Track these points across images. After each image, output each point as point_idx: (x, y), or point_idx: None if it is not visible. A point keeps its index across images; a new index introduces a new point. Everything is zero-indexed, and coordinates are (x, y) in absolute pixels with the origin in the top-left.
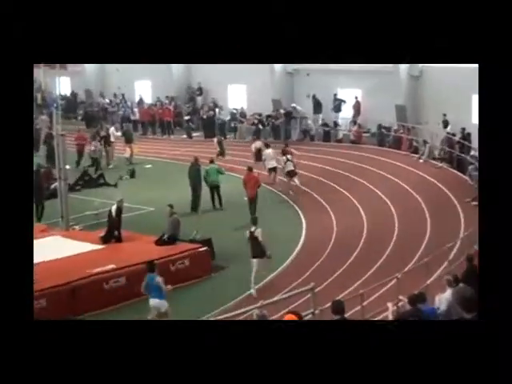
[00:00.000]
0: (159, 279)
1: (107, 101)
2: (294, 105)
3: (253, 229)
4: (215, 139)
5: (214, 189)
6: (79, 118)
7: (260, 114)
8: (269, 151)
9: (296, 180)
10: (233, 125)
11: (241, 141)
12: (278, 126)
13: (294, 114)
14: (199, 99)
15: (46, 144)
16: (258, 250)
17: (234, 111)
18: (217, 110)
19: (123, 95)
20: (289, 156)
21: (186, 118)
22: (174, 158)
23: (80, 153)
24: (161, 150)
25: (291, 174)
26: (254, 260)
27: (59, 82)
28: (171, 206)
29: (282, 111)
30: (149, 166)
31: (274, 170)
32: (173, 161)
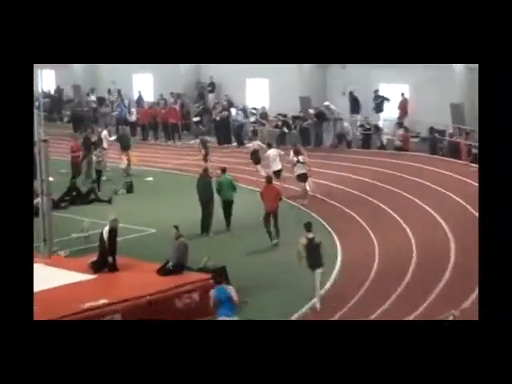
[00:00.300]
0: (231, 290)
1: (93, 98)
2: (326, 103)
3: (310, 235)
4: (198, 140)
5: (228, 205)
6: (65, 119)
7: (285, 115)
8: (272, 152)
9: (307, 186)
10: (252, 128)
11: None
12: (308, 130)
13: (327, 114)
14: (211, 97)
15: None
16: (319, 259)
17: (254, 111)
18: (233, 110)
19: (119, 92)
20: (300, 157)
21: (195, 119)
22: (180, 169)
23: (76, 166)
24: (164, 159)
25: (302, 178)
26: (318, 271)
27: (41, 75)
28: (177, 228)
29: (311, 111)
30: (150, 178)
31: (278, 173)
32: (179, 172)
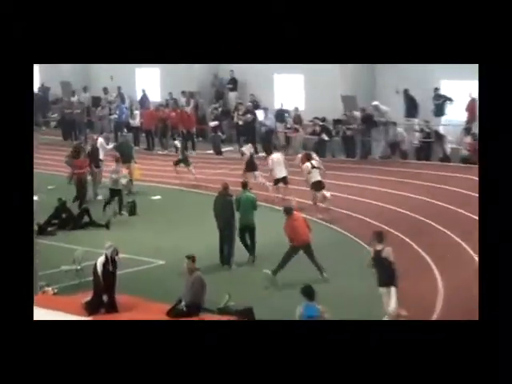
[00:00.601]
0: (324, 312)
1: (77, 98)
2: (375, 103)
3: (379, 247)
4: (176, 142)
5: (248, 231)
6: (52, 124)
7: (324, 119)
8: (276, 156)
9: (326, 194)
10: (284, 134)
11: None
12: (352, 138)
13: (377, 117)
14: (232, 96)
15: None
16: (387, 275)
17: (286, 115)
18: (260, 112)
19: (119, 89)
20: (314, 162)
21: (213, 124)
22: (194, 185)
23: (82, 185)
24: (175, 173)
25: (318, 187)
26: (385, 289)
27: None
28: (191, 258)
29: (357, 114)
30: (157, 197)
31: (283, 180)
32: (193, 189)
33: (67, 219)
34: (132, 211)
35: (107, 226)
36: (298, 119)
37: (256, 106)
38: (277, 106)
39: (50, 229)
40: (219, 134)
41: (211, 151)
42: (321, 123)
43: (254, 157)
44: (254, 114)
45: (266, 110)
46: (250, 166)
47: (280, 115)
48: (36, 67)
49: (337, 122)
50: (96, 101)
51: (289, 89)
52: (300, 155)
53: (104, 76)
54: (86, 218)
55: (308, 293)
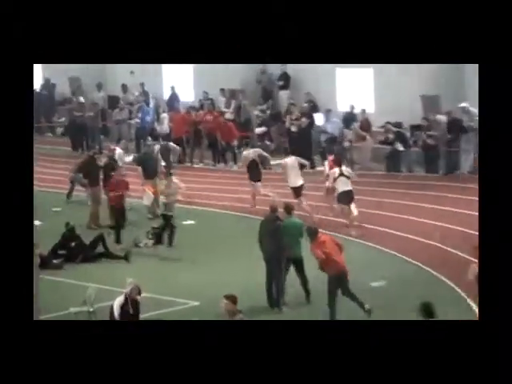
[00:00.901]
0: None
1: (90, 99)
2: (464, 105)
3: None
4: (157, 147)
5: (295, 264)
6: (59, 130)
7: (399, 124)
8: (290, 160)
9: (353, 209)
10: (347, 144)
11: (365, 173)
12: (436, 147)
13: (466, 122)
14: (283, 95)
15: None
16: None
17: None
18: (319, 115)
19: (142, 87)
20: (344, 168)
21: (259, 130)
22: (235, 208)
23: (120, 211)
24: (212, 193)
25: (347, 197)
26: None
27: None
28: (231, 299)
29: (441, 118)
30: (190, 221)
31: (299, 190)
32: (233, 212)
33: (77, 249)
34: (158, 239)
35: (127, 257)
36: (365, 124)
37: (313, 107)
38: (340, 108)
39: (55, 261)
40: (267, 142)
41: None
42: (394, 129)
43: (259, 162)
44: (311, 118)
45: (328, 112)
46: (254, 176)
47: (349, 120)
48: None
49: (415, 128)
50: (113, 101)
51: (355, 86)
52: (329, 160)
53: (122, 71)
54: (100, 248)
55: (427, 311)
